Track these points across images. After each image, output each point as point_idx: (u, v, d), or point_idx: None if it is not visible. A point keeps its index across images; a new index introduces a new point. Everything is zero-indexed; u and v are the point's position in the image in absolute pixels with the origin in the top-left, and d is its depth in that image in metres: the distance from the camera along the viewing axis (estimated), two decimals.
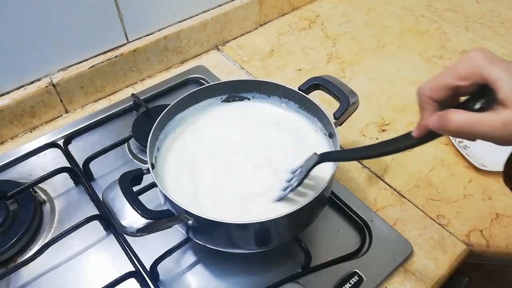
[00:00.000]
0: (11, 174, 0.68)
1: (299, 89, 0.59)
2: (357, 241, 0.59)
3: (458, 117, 0.33)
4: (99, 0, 0.71)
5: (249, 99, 0.64)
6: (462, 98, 0.36)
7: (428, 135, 0.37)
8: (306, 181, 0.51)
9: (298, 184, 0.50)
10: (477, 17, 1.02)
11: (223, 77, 0.85)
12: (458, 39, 0.96)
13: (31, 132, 0.76)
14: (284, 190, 0.51)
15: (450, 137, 0.71)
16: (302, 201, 0.45)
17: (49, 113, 0.76)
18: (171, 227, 0.48)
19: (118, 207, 0.44)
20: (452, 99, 0.36)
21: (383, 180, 0.67)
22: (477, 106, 0.34)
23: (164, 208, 0.50)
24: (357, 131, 0.75)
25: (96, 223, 0.60)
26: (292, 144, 0.58)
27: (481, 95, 0.33)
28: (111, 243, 0.59)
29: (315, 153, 0.50)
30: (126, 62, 0.80)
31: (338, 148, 0.51)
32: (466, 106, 0.34)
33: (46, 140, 0.71)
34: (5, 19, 0.63)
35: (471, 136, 0.33)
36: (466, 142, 0.71)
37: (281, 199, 0.51)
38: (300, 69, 0.88)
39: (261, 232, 0.48)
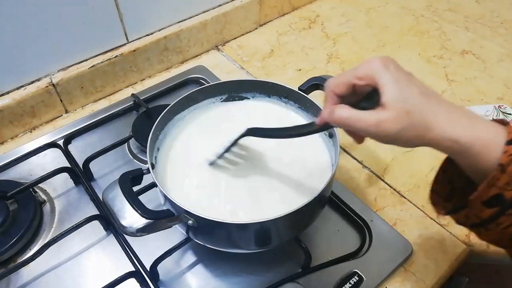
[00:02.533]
0: (11, 174, 0.68)
1: (299, 89, 0.59)
2: (357, 241, 0.59)
3: (341, 111, 0.38)
4: (99, 0, 0.71)
5: (249, 99, 0.64)
6: None
7: (326, 125, 0.41)
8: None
9: (224, 151, 0.54)
10: (477, 17, 1.02)
11: (223, 77, 0.85)
12: (458, 39, 0.96)
13: (31, 132, 0.76)
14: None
15: None
16: (302, 201, 0.45)
17: (49, 113, 0.76)
18: (171, 227, 0.48)
19: (118, 207, 0.44)
20: (352, 96, 0.40)
21: (383, 180, 0.67)
22: (364, 105, 0.38)
23: (164, 208, 0.50)
24: None
25: (96, 223, 0.60)
26: (292, 143, 0.58)
27: (371, 96, 0.38)
28: (111, 243, 0.59)
29: (247, 128, 0.52)
30: (126, 62, 0.80)
31: (338, 149, 0.51)
32: (356, 104, 0.39)
33: (46, 140, 0.71)
34: (5, 19, 0.63)
35: (351, 129, 0.38)
36: None
37: (211, 163, 0.55)
38: (300, 69, 0.88)
39: (261, 232, 0.48)
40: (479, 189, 0.35)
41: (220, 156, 0.55)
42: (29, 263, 0.55)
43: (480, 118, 0.36)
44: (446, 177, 0.43)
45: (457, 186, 0.43)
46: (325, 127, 0.43)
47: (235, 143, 0.54)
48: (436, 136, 0.36)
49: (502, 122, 0.37)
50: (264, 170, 0.55)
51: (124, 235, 0.58)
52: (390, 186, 0.66)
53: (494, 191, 0.34)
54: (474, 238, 0.60)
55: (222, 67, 0.89)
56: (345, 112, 0.38)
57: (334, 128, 0.53)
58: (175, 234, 0.58)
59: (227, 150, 0.54)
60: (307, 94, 0.58)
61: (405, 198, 0.65)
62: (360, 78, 0.38)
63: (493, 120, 0.38)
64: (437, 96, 0.37)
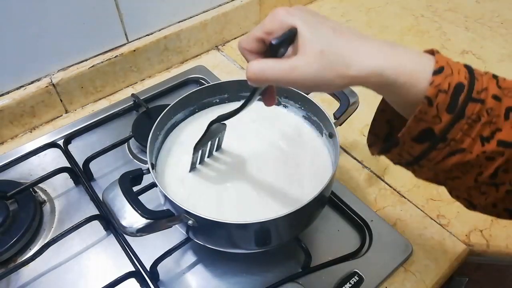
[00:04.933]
0: (11, 174, 0.68)
1: None
2: (357, 241, 0.59)
3: (253, 64, 0.35)
4: (99, 0, 0.71)
5: None
6: None
7: (255, 87, 0.40)
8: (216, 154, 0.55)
9: (196, 153, 0.53)
10: (477, 17, 1.02)
11: (223, 77, 0.85)
12: (458, 39, 0.96)
13: (31, 132, 0.76)
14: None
15: None
16: (302, 201, 0.45)
17: (49, 113, 0.76)
18: (171, 227, 0.48)
19: (118, 207, 0.44)
20: (268, 50, 0.38)
21: (383, 180, 0.67)
22: (279, 53, 0.36)
23: (164, 208, 0.50)
24: (357, 131, 0.75)
25: (96, 223, 0.60)
26: (292, 143, 0.58)
27: (282, 41, 0.35)
28: (111, 243, 0.59)
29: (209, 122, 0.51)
30: (126, 62, 0.80)
31: (338, 149, 0.51)
32: (269, 54, 0.36)
33: (46, 140, 0.71)
34: (5, 19, 0.63)
35: (267, 82, 0.35)
36: None
37: (191, 170, 0.54)
38: None
39: (261, 232, 0.48)
40: (407, 125, 0.33)
41: (198, 160, 0.54)
42: (29, 263, 0.55)
43: (405, 48, 0.34)
44: (384, 117, 0.41)
45: (395, 126, 0.41)
46: (256, 89, 0.40)
47: (205, 135, 0.51)
48: (358, 72, 0.33)
49: (431, 52, 0.34)
50: (264, 170, 0.55)
51: (124, 235, 0.58)
52: (390, 186, 0.66)
53: (422, 125, 0.32)
54: (474, 238, 0.60)
55: (222, 67, 0.89)
56: (256, 65, 0.35)
57: (334, 128, 0.53)
58: (175, 234, 0.58)
59: (199, 145, 0.52)
60: (307, 94, 0.58)
61: (405, 198, 0.65)
62: (268, 32, 0.36)
63: (424, 51, 0.35)
64: (355, 32, 0.35)
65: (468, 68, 0.33)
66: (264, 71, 0.35)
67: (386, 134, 0.42)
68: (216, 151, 0.57)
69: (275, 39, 0.35)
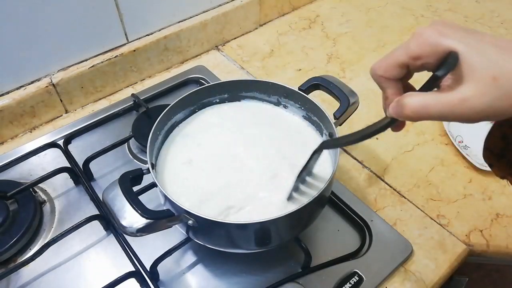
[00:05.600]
0: (11, 174, 0.68)
1: (299, 89, 0.59)
2: (357, 241, 0.59)
3: (412, 101, 0.31)
4: (99, 0, 0.71)
5: (249, 99, 0.64)
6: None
7: (396, 120, 0.35)
8: (308, 179, 0.51)
9: (301, 173, 0.50)
10: (477, 17, 1.02)
11: (223, 77, 0.85)
12: None
13: (31, 132, 0.76)
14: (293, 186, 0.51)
15: (450, 137, 0.71)
16: (302, 201, 0.45)
17: (49, 113, 0.76)
18: (171, 227, 0.48)
19: (118, 207, 0.44)
20: (408, 76, 0.35)
21: (383, 180, 0.67)
22: (436, 83, 0.32)
23: (164, 208, 0.50)
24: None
25: (96, 223, 0.60)
26: (292, 143, 0.58)
27: (438, 70, 0.31)
28: (111, 243, 0.59)
29: (321, 143, 0.48)
30: (126, 62, 0.80)
31: (338, 149, 0.51)
32: (424, 86, 0.33)
33: (46, 140, 0.71)
34: (5, 19, 0.63)
35: (431, 118, 0.31)
36: (466, 142, 0.71)
37: (290, 197, 0.51)
38: (300, 69, 0.88)
39: (261, 232, 0.48)
40: None
41: (300, 180, 0.51)
42: (29, 263, 0.55)
43: None
44: (500, 131, 0.39)
45: (511, 140, 0.39)
46: (390, 124, 0.36)
47: (309, 162, 0.50)
48: None
49: None
50: (264, 170, 0.55)
51: (124, 235, 0.58)
52: (390, 186, 0.66)
53: None
54: (474, 238, 0.60)
55: (222, 67, 0.89)
56: (417, 100, 0.31)
57: (334, 128, 0.53)
58: (175, 234, 0.58)
59: (303, 171, 0.50)
60: (307, 94, 0.58)
61: (405, 198, 0.65)
62: (415, 57, 0.32)
63: None
64: None
65: None
66: (428, 108, 0.31)
67: (501, 149, 0.40)
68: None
69: (440, 70, 0.30)
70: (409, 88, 0.37)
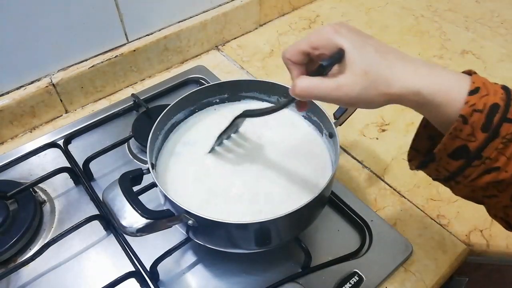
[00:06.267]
0: (11, 174, 0.68)
1: None
2: (357, 241, 0.59)
3: (301, 81, 0.38)
4: (99, 0, 0.71)
5: (249, 99, 0.64)
6: None
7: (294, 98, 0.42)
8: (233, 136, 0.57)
9: (221, 135, 0.56)
10: (477, 17, 1.02)
11: (223, 77, 0.85)
12: (458, 39, 0.96)
13: (31, 132, 0.76)
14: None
15: None
16: (302, 201, 0.45)
17: (49, 113, 0.76)
18: (171, 227, 0.47)
19: (118, 207, 0.44)
20: (310, 64, 0.41)
21: (383, 180, 0.67)
22: (326, 71, 0.38)
23: (164, 208, 0.50)
24: (357, 131, 0.75)
25: (96, 223, 0.60)
26: (292, 143, 0.58)
27: (324, 60, 0.38)
28: (111, 243, 0.59)
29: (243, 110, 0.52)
30: (126, 62, 0.80)
31: (338, 149, 0.51)
32: (317, 72, 0.39)
33: (46, 140, 0.71)
34: (5, 19, 0.63)
35: (313, 97, 0.38)
36: None
37: (211, 150, 0.56)
38: None
39: (261, 232, 0.48)
40: (443, 141, 0.34)
41: (218, 143, 0.57)
42: (29, 263, 0.55)
43: (442, 68, 0.36)
44: (426, 132, 0.43)
45: (437, 141, 0.42)
46: (293, 100, 0.43)
47: (229, 127, 0.55)
48: (397, 91, 0.35)
49: (469, 73, 0.36)
50: (263, 171, 0.55)
51: (124, 235, 0.58)
52: (390, 186, 0.66)
53: (458, 143, 0.34)
54: (474, 238, 0.60)
55: (222, 67, 0.89)
56: (306, 82, 0.38)
57: (334, 128, 0.53)
58: (175, 234, 0.58)
59: (222, 136, 0.56)
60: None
61: (405, 198, 0.65)
62: (314, 47, 0.38)
63: (462, 72, 0.37)
64: (395, 52, 0.37)
65: (506, 90, 0.34)
66: (312, 89, 0.38)
67: (427, 150, 0.43)
68: (234, 133, 0.59)
69: (325, 60, 0.38)
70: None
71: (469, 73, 0.36)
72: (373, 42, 0.37)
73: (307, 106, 0.47)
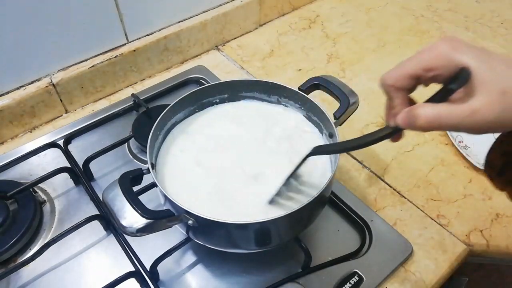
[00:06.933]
0: (11, 174, 0.68)
1: (299, 89, 0.59)
2: (357, 241, 0.59)
3: (426, 111, 0.33)
4: (99, 0, 0.71)
5: (249, 99, 0.64)
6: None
7: (400, 129, 0.36)
8: (305, 179, 0.51)
9: (289, 177, 0.50)
10: (477, 17, 1.02)
11: (223, 77, 0.85)
12: None
13: (31, 132, 0.76)
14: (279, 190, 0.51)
15: (450, 137, 0.71)
16: (302, 201, 0.45)
17: (49, 113, 0.76)
18: (171, 227, 0.48)
19: (118, 207, 0.44)
20: (415, 86, 0.36)
21: (383, 180, 0.67)
22: (448, 96, 0.33)
23: (164, 208, 0.50)
24: (357, 131, 0.75)
25: (96, 223, 0.60)
26: (292, 143, 0.58)
27: (452, 83, 0.33)
28: (111, 243, 0.59)
29: (314, 147, 0.49)
30: (126, 62, 0.80)
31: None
32: (434, 98, 0.34)
33: (46, 140, 0.71)
34: (5, 19, 0.63)
35: (442, 129, 0.33)
36: (466, 142, 0.71)
37: (273, 200, 0.51)
38: (300, 69, 0.88)
39: (261, 232, 0.48)
40: None
41: (286, 183, 0.51)
42: (29, 263, 0.55)
43: None
44: (502, 148, 0.41)
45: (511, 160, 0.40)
46: (397, 131, 0.37)
47: (300, 165, 0.50)
48: None
49: None
50: (264, 170, 0.55)
51: (124, 235, 0.58)
52: (390, 186, 0.66)
53: None
54: (474, 238, 0.60)
55: (222, 67, 0.89)
56: (431, 111, 0.33)
57: (334, 128, 0.53)
58: (175, 234, 0.58)
59: (292, 174, 0.51)
60: (307, 94, 0.58)
61: (405, 198, 0.65)
62: (428, 69, 0.33)
63: None
64: None
65: None
66: (441, 119, 0.32)
67: (501, 166, 0.41)
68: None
69: (454, 83, 0.33)
70: (410, 101, 0.38)
71: None
72: (498, 56, 0.33)
73: (402, 135, 0.40)
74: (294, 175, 0.51)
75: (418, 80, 0.35)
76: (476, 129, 0.32)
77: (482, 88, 0.31)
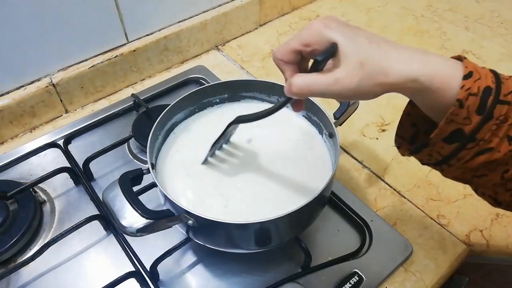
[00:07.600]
0: (11, 174, 0.68)
1: None
2: (357, 241, 0.59)
3: (297, 80, 0.38)
4: (99, 0, 0.71)
5: (249, 99, 0.64)
6: None
7: (290, 98, 0.41)
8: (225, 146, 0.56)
9: (214, 146, 0.54)
10: (477, 17, 1.02)
11: (223, 77, 0.85)
12: (458, 39, 0.96)
13: (31, 132, 0.76)
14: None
15: None
16: (302, 201, 0.45)
17: (49, 113, 0.76)
18: (171, 227, 0.48)
19: (118, 207, 0.44)
20: (302, 62, 0.41)
21: (383, 180, 0.67)
22: (321, 67, 0.38)
23: (164, 208, 0.50)
24: (357, 131, 0.75)
25: (96, 223, 0.60)
26: (292, 143, 0.58)
27: (318, 55, 0.37)
28: (111, 243, 0.59)
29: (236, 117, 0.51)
30: (126, 62, 0.80)
31: (339, 149, 0.51)
32: (312, 68, 0.38)
33: (46, 140, 0.71)
34: (5, 19, 0.63)
35: (311, 94, 0.38)
36: None
37: (204, 162, 0.55)
38: None
39: (261, 232, 0.48)
40: (439, 126, 0.35)
41: (211, 153, 0.55)
42: (29, 263, 0.55)
43: (435, 54, 0.36)
44: (410, 120, 0.44)
45: (420, 128, 0.43)
46: (289, 99, 0.42)
47: (223, 134, 0.53)
48: (395, 79, 0.35)
49: (459, 58, 0.37)
50: (263, 170, 0.55)
51: (124, 235, 0.58)
52: (390, 186, 0.66)
53: (453, 126, 0.35)
54: (474, 238, 0.60)
55: (222, 67, 0.89)
56: (301, 79, 0.38)
57: (334, 128, 0.53)
58: (175, 234, 0.58)
59: (217, 143, 0.54)
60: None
61: (405, 198, 0.65)
62: (306, 44, 0.38)
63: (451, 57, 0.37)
64: (387, 41, 0.37)
65: (494, 73, 0.35)
66: (310, 86, 0.37)
67: (412, 136, 0.44)
68: (226, 143, 0.58)
69: (320, 55, 0.37)
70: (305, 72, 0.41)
71: (459, 58, 0.37)
72: (364, 33, 0.37)
73: (303, 106, 0.46)
74: (221, 140, 0.54)
75: (301, 54, 0.39)
76: (342, 96, 0.37)
77: (344, 60, 0.36)
